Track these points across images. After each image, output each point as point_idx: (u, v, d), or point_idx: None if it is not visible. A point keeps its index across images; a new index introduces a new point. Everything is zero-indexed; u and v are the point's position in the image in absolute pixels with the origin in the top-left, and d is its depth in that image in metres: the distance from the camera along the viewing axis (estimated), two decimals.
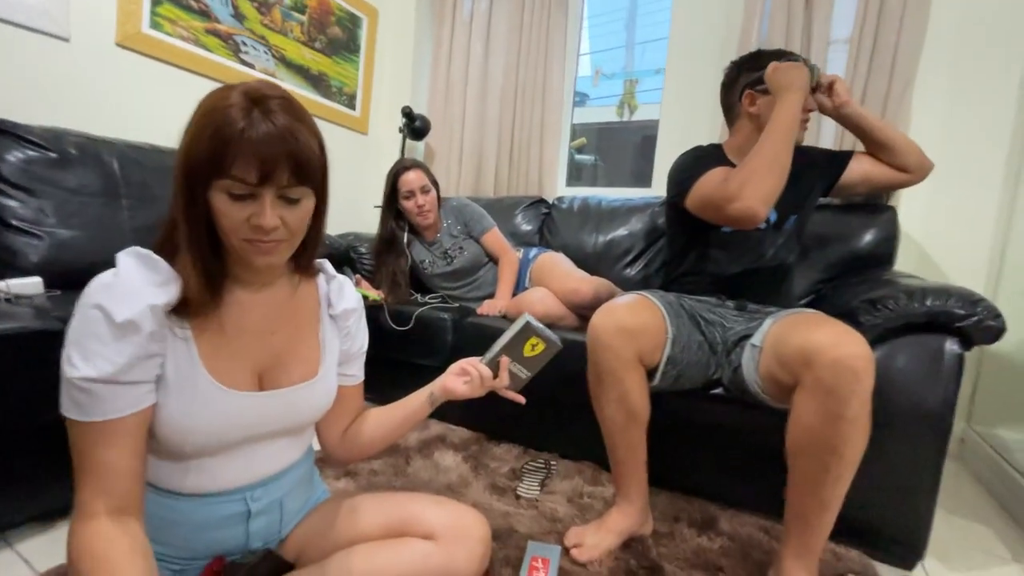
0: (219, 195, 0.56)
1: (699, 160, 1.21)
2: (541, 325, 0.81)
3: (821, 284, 1.57)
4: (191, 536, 0.67)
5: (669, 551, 1.06)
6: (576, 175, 2.66)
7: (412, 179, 1.76)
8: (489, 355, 0.80)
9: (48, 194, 1.29)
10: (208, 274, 0.61)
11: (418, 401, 0.81)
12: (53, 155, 1.31)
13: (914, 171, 1.20)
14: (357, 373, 0.84)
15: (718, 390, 1.16)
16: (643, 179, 2.36)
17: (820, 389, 0.82)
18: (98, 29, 1.56)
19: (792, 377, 0.88)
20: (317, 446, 0.85)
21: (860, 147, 1.28)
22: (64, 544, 0.53)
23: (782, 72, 1.10)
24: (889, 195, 1.65)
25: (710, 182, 1.11)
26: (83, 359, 0.53)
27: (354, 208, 2.52)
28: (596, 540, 1.03)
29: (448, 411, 1.67)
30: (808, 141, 1.32)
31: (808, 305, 1.37)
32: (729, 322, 1.15)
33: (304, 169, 0.58)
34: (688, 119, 2.07)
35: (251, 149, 0.54)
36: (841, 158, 1.26)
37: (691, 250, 1.26)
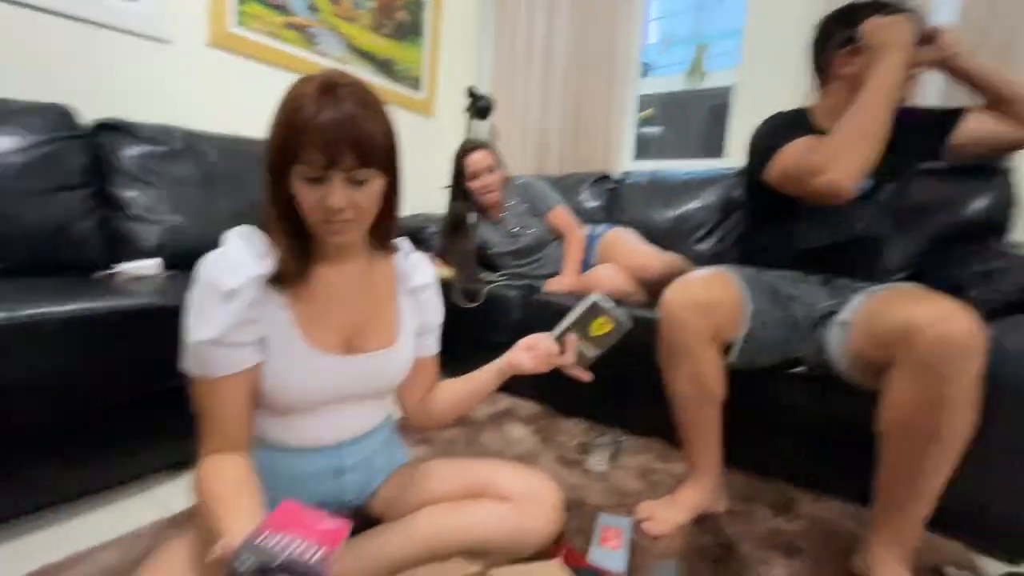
0: (296, 179, 0.62)
1: (782, 128, 1.13)
2: (611, 304, 0.80)
3: (920, 257, 1.43)
4: (291, 488, 0.75)
5: (744, 530, 1.04)
6: (643, 149, 2.57)
7: (477, 159, 1.79)
8: (556, 331, 0.81)
9: (160, 184, 1.44)
10: (296, 250, 0.67)
11: (487, 374, 0.84)
12: (163, 149, 1.46)
13: None
14: (432, 345, 0.88)
15: (799, 369, 1.11)
16: (713, 150, 2.25)
17: (920, 368, 0.76)
18: (193, 30, 1.69)
19: (887, 355, 0.83)
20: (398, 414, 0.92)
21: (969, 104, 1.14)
22: (191, 489, 0.62)
23: (882, 28, 0.99)
24: (1008, 156, 1.46)
25: (793, 153, 1.04)
26: (197, 324, 0.61)
27: (422, 190, 2.59)
28: (667, 515, 1.03)
29: (517, 385, 1.70)
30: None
31: (905, 280, 1.26)
32: (813, 297, 1.08)
33: (368, 152, 0.61)
34: (767, 83, 1.93)
35: (317, 135, 0.59)
36: (951, 117, 1.12)
37: (771, 223, 1.19)
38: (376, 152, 0.63)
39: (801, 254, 1.14)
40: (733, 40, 2.12)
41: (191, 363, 0.63)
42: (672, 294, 1.00)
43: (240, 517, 0.53)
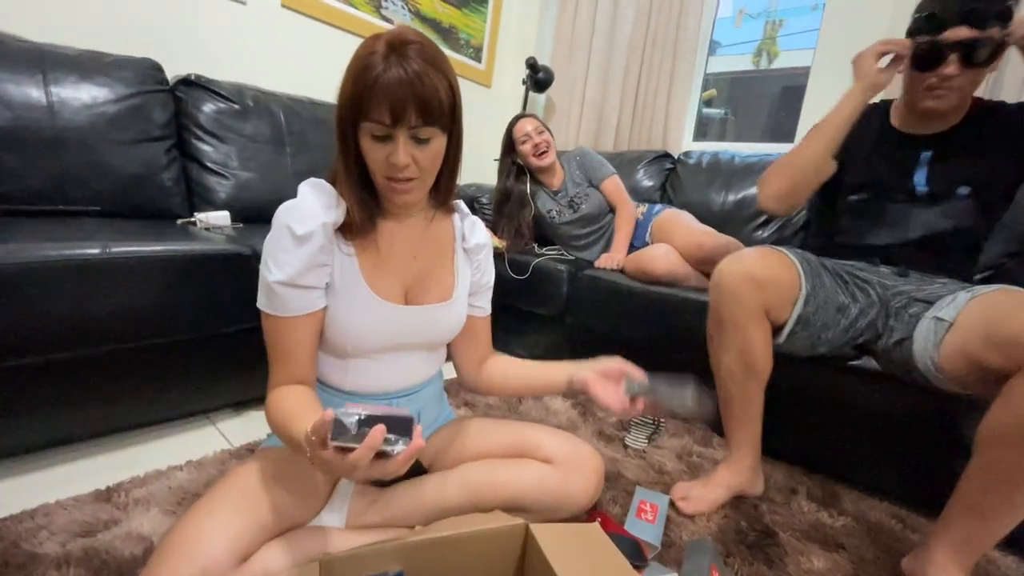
0: (365, 137, 0.64)
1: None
2: (704, 395, 0.75)
3: (1005, 258, 1.33)
4: None
5: (784, 519, 1.02)
6: (702, 130, 2.48)
7: (524, 124, 1.80)
8: (636, 388, 0.77)
9: (232, 141, 1.51)
10: (363, 204, 0.70)
11: (558, 380, 0.83)
12: (236, 107, 1.53)
13: None
14: (485, 306, 0.90)
15: (860, 360, 1.06)
16: (780, 134, 2.14)
17: None
18: None
19: (1013, 361, 0.75)
20: (447, 375, 0.94)
21: None
22: (252, 426, 0.67)
23: (859, 59, 1.02)
24: None
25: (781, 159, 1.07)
26: (275, 264, 0.66)
27: (476, 160, 2.60)
28: (703, 494, 1.02)
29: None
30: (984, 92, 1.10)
31: (984, 281, 1.17)
32: (890, 280, 1.03)
33: (430, 110, 0.62)
34: (848, 65, 1.81)
35: (384, 93, 0.60)
36: None
37: (824, 216, 1.16)
38: (439, 110, 0.64)
39: (858, 250, 1.10)
40: (810, 16, 1.99)
41: (265, 301, 0.68)
42: (725, 266, 0.98)
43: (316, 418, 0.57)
